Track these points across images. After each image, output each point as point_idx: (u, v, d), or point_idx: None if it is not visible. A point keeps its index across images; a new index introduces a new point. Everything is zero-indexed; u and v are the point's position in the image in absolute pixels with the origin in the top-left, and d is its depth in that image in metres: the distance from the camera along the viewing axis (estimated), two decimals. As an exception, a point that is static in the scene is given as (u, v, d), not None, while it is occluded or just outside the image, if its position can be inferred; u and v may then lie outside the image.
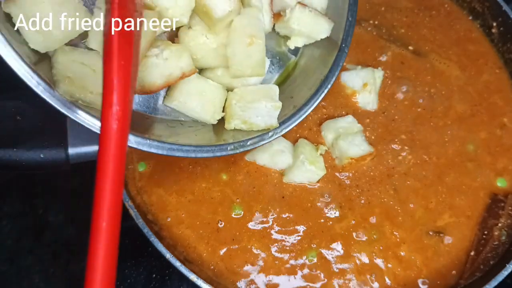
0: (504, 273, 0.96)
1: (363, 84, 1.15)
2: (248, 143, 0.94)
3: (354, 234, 1.04)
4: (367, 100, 1.16)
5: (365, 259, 1.02)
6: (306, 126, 1.13)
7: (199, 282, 0.92)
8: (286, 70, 1.08)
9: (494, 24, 1.24)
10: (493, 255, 1.02)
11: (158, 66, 0.84)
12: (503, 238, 1.03)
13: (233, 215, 1.04)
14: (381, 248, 1.02)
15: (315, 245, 1.02)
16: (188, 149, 0.89)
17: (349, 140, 1.08)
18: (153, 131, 0.91)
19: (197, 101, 0.92)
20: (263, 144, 0.96)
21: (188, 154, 0.89)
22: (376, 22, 1.26)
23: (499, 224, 1.04)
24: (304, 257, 1.01)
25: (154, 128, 0.93)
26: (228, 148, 0.92)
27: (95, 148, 1.02)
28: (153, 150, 0.85)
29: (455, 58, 1.23)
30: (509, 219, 1.05)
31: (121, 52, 0.62)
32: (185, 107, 0.92)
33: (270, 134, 0.95)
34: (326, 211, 1.05)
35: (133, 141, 0.84)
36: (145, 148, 0.85)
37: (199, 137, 0.93)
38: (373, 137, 1.13)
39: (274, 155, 1.07)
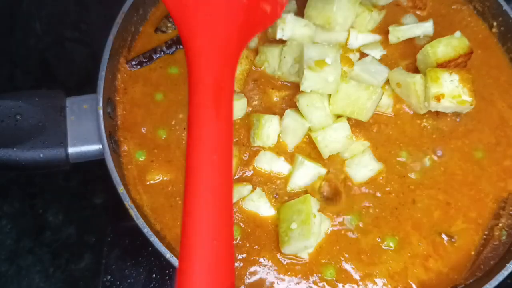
0: (505, 273, 0.95)
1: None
2: None
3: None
4: (386, 102, 1.09)
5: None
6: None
7: (199, 282, 0.92)
8: None
9: (495, 23, 1.23)
10: (493, 255, 1.02)
11: None
12: (503, 238, 1.03)
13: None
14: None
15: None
16: None
17: (355, 163, 1.04)
18: None
19: None
20: None
21: None
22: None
23: (500, 224, 1.04)
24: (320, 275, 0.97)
25: None
26: None
27: (95, 147, 1.02)
28: None
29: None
30: (509, 219, 1.05)
31: None
32: None
33: None
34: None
35: None
36: None
37: None
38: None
39: (273, 161, 1.04)
